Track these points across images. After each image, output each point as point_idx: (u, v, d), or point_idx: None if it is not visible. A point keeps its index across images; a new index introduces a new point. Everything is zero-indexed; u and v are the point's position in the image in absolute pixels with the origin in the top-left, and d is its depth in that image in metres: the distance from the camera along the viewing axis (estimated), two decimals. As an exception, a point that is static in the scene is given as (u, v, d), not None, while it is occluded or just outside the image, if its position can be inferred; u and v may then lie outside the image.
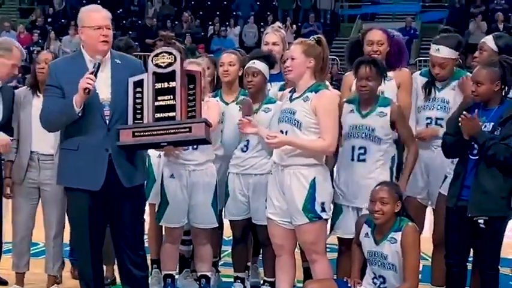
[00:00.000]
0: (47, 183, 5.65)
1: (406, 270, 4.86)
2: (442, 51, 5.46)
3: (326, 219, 5.15)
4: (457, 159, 5.09)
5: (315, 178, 4.99)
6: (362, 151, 5.16)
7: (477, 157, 4.90)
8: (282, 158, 5.05)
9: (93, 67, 4.65)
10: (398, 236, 4.90)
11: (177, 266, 5.95)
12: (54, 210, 5.71)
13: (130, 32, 22.69)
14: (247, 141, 5.54)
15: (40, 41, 21.90)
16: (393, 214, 4.93)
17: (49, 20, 24.42)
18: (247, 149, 5.56)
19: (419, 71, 5.77)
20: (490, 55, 5.32)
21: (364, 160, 5.16)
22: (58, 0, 24.94)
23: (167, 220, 5.59)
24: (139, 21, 23.86)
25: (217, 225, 5.76)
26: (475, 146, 4.90)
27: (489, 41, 5.48)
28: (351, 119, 5.21)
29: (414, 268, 4.89)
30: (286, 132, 5.04)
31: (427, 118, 5.55)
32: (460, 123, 4.83)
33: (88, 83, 4.52)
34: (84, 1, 23.13)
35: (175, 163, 5.51)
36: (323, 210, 5.03)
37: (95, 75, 4.59)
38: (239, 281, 5.83)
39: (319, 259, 5.15)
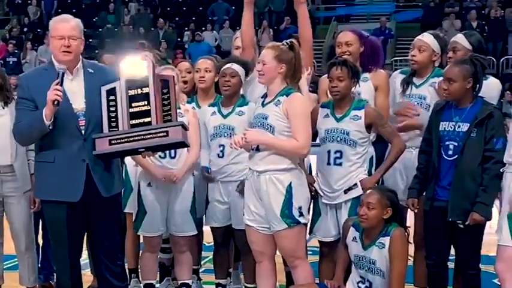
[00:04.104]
0: (10, 196, 5.60)
1: (392, 277, 4.80)
2: (425, 37, 5.55)
3: (305, 224, 5.11)
4: None
5: (291, 183, 4.92)
6: (338, 155, 5.15)
7: (453, 158, 4.91)
8: (257, 163, 4.99)
9: (57, 77, 4.56)
10: (386, 240, 4.85)
11: (158, 275, 5.92)
12: (20, 222, 5.65)
13: (107, 40, 22.63)
14: (223, 146, 5.53)
15: (16, 51, 21.76)
16: (380, 220, 4.88)
17: (25, 29, 24.30)
18: (223, 154, 5.54)
19: (400, 70, 5.81)
20: (465, 53, 5.33)
21: (340, 164, 5.15)
22: (33, 9, 24.82)
23: (145, 229, 5.54)
24: (116, 29, 23.78)
25: (197, 233, 5.72)
26: (450, 146, 4.93)
27: (461, 39, 5.50)
28: (326, 123, 5.20)
29: (400, 276, 4.82)
30: None
31: None
32: None
33: (56, 95, 4.46)
34: (59, 10, 23.08)
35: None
36: (301, 214, 4.96)
37: (61, 85, 4.52)
38: (221, 287, 5.81)
39: (300, 264, 5.09)
